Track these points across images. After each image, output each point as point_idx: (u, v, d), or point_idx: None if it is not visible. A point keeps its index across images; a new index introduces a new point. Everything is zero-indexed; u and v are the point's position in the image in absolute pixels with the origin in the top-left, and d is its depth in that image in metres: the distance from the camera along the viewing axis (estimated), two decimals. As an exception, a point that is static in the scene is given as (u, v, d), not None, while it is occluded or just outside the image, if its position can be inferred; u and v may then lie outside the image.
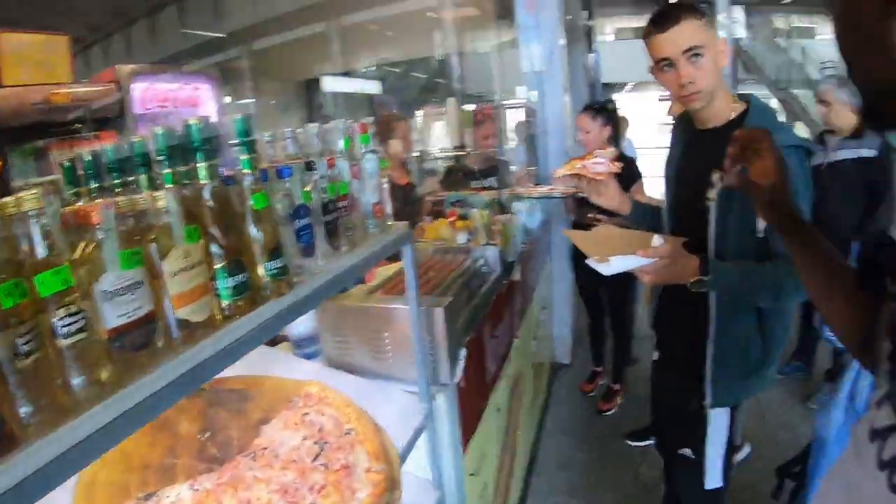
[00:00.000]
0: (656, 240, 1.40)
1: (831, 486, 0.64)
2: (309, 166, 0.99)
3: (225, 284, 0.75)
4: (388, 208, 1.31)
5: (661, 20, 1.47)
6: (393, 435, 1.33)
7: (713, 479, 1.79)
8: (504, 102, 3.94)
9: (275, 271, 0.82)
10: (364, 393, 1.47)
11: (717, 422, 1.70)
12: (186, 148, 0.75)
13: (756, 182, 1.00)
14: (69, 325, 0.57)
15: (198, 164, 0.74)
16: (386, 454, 1.24)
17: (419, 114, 4.61)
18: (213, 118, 3.46)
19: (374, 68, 12.48)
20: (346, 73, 11.69)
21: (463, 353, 1.64)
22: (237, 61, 10.15)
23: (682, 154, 1.72)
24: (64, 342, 0.57)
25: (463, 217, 2.68)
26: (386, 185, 1.27)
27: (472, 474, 1.81)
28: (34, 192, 0.56)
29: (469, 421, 1.80)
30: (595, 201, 1.75)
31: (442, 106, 4.64)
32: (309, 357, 1.75)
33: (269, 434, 1.27)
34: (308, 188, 0.95)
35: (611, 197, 1.74)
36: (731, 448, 1.76)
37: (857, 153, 2.93)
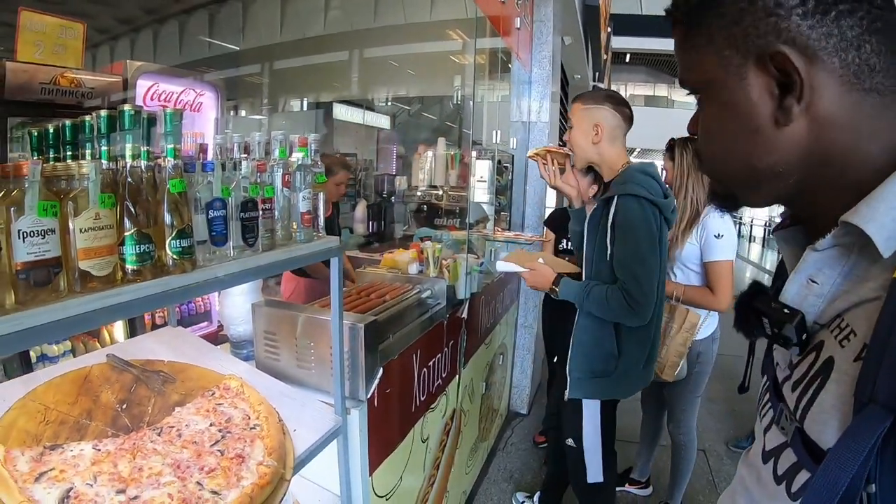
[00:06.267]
0: (540, 259, 2.10)
1: None
2: (235, 166, 1.10)
3: (130, 251, 0.87)
4: (321, 220, 1.41)
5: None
6: (302, 439, 1.40)
7: (593, 473, 2.12)
8: (489, 149, 4.07)
9: (179, 250, 0.93)
10: (282, 397, 1.53)
11: (589, 413, 2.05)
12: (120, 130, 0.88)
13: None
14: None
15: (126, 145, 0.87)
16: (281, 452, 1.30)
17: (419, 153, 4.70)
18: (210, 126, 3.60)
19: (388, 104, 12.55)
20: (360, 105, 11.81)
21: (380, 372, 1.71)
22: (257, 77, 10.38)
23: None
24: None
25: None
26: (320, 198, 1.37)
27: (382, 496, 1.85)
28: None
29: (385, 441, 1.85)
30: (556, 184, 2.09)
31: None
32: (245, 359, 1.82)
33: (180, 416, 1.35)
34: (231, 185, 1.07)
35: (569, 182, 2.08)
36: (610, 449, 2.10)
37: None
